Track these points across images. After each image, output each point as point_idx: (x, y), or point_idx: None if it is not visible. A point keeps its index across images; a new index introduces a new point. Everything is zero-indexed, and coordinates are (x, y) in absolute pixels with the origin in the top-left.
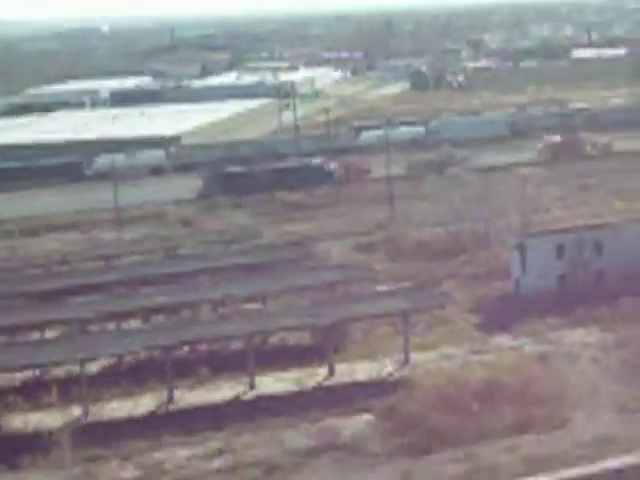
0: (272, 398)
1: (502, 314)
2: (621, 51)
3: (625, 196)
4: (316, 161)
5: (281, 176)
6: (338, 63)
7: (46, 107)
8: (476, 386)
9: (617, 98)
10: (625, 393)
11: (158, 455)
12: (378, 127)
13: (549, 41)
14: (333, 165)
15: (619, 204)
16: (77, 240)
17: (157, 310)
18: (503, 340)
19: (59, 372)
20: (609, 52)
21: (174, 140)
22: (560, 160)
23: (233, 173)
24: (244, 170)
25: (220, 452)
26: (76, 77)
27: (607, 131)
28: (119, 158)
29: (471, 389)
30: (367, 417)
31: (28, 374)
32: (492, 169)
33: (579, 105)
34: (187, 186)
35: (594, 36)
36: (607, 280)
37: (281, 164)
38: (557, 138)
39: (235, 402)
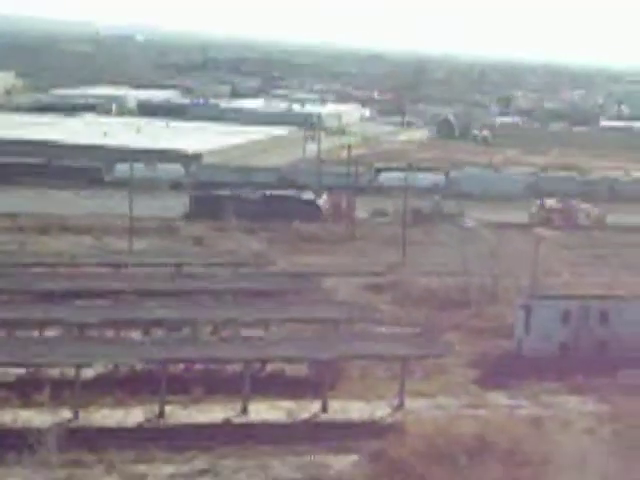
0: (263, 425)
1: (501, 372)
2: None
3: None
4: (307, 195)
5: (269, 205)
6: (367, 102)
7: (72, 108)
8: (467, 440)
9: None
10: (614, 465)
11: (143, 468)
12: (399, 169)
13: (579, 107)
14: (322, 200)
15: (631, 278)
16: (88, 244)
17: (158, 324)
18: (499, 398)
19: (54, 373)
20: (638, 124)
21: (195, 157)
22: (551, 225)
23: (220, 196)
24: (231, 194)
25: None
26: (106, 83)
27: (628, 203)
28: (139, 167)
29: (461, 442)
30: (355, 457)
31: (23, 371)
32: (497, 226)
33: (601, 174)
34: None
35: (624, 108)
36: (610, 351)
37: (271, 193)
38: (552, 203)
39: (226, 425)
